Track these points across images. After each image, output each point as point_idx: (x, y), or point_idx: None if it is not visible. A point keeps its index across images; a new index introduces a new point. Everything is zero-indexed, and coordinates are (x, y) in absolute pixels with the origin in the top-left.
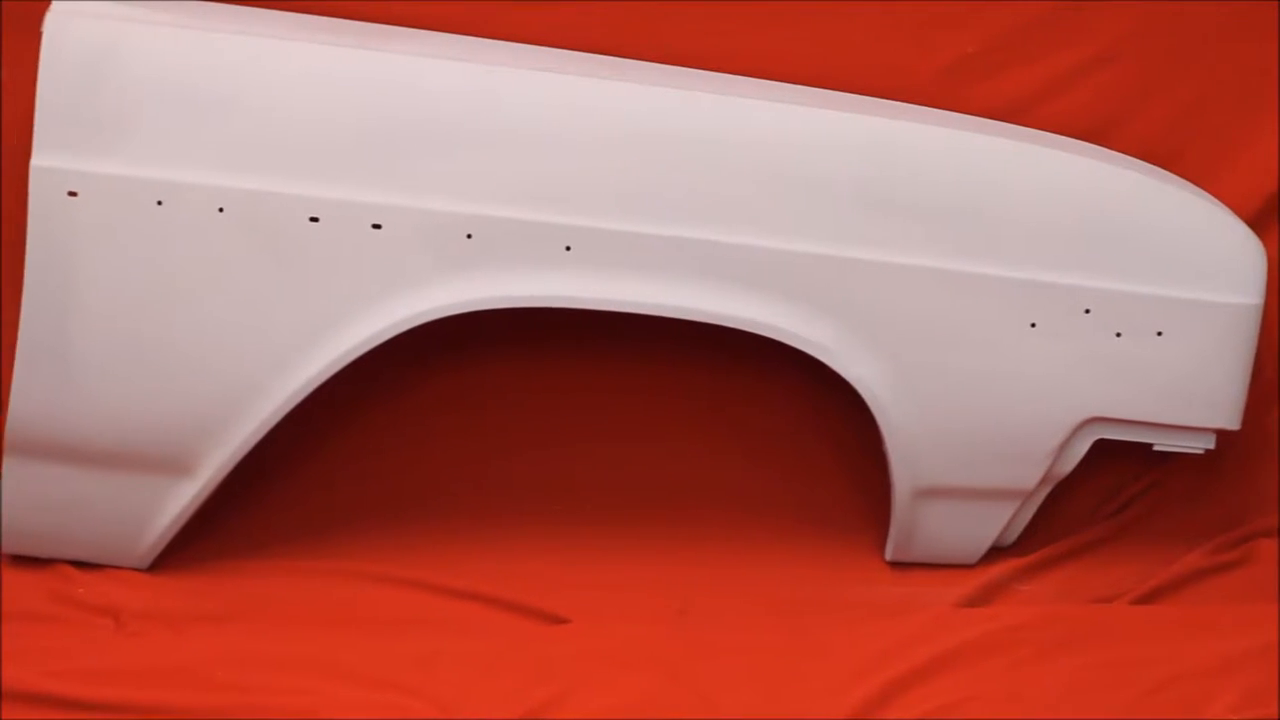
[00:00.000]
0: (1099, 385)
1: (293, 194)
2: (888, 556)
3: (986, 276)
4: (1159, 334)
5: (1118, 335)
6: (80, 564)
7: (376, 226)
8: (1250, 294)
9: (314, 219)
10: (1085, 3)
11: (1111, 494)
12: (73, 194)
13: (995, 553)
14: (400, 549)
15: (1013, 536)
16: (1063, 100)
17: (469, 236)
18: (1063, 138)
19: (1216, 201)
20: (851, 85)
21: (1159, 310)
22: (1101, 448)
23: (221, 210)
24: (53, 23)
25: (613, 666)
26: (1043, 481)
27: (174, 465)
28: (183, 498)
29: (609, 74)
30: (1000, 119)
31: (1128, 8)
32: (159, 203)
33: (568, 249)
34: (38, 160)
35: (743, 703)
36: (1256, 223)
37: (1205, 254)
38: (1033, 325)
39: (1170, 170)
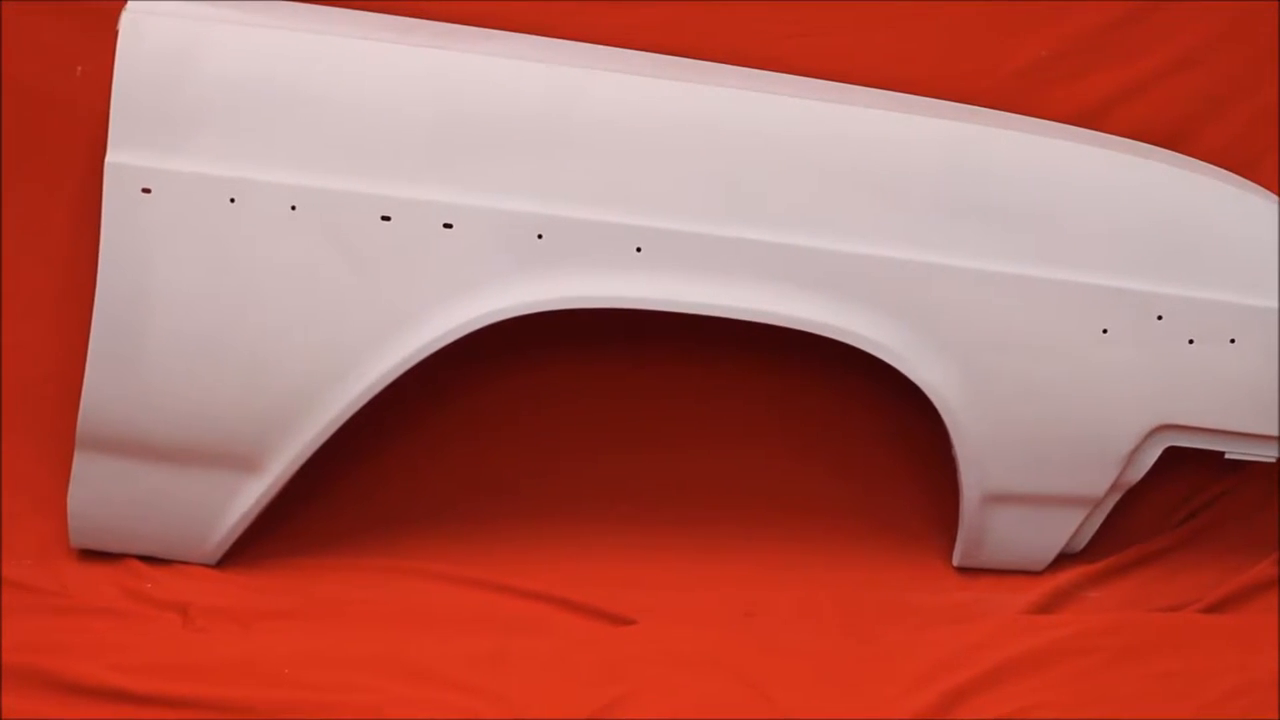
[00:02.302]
0: (1170, 392)
1: (365, 193)
2: (955, 562)
3: (1058, 282)
4: (1231, 341)
5: (1190, 342)
6: (149, 559)
7: (448, 226)
8: None
9: (386, 218)
10: (1162, 4)
11: (1181, 502)
12: (146, 190)
13: (1064, 559)
14: (467, 549)
15: (1081, 543)
16: (1139, 105)
17: (540, 237)
18: (1138, 143)
19: None
20: (926, 88)
21: (1232, 317)
22: (1172, 455)
23: (294, 208)
24: (129, 21)
25: (679, 668)
26: (1112, 488)
27: (243, 462)
28: (251, 494)
29: (683, 75)
30: (1075, 123)
31: (1206, 12)
32: (232, 200)
33: (638, 250)
34: (112, 157)
35: (808, 706)
36: None
37: None
38: (1104, 331)
39: (1247, 177)
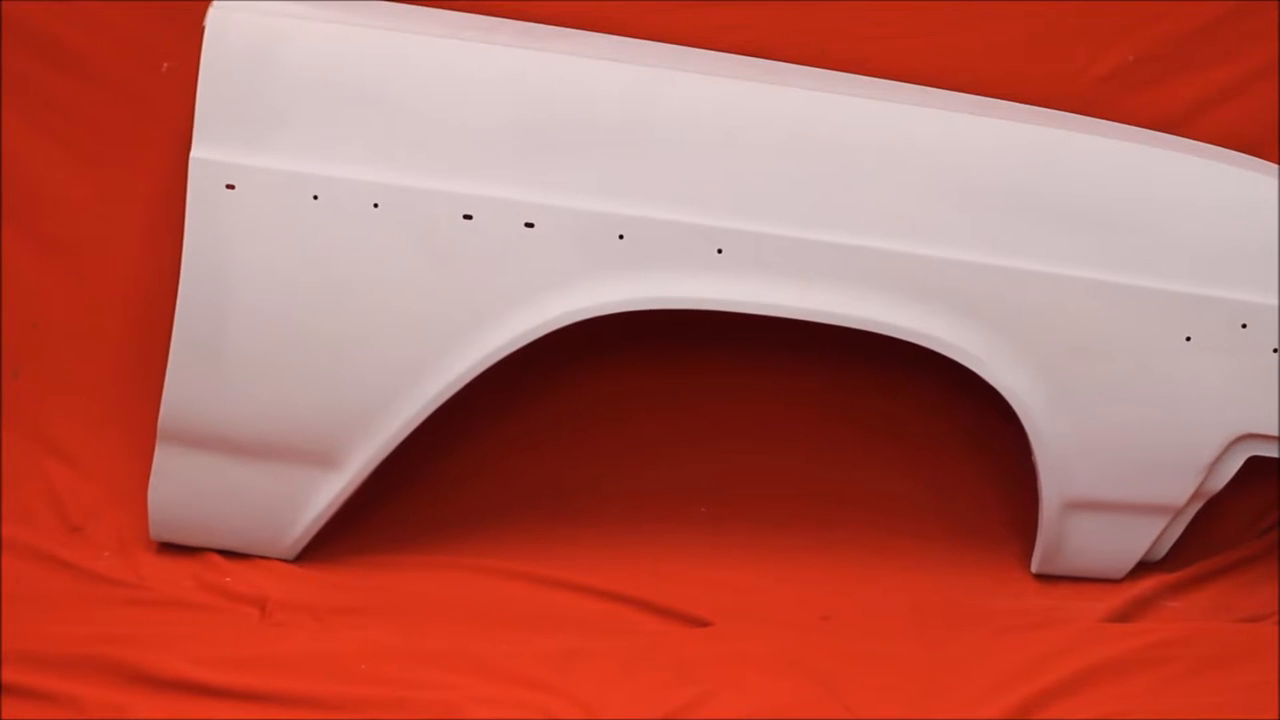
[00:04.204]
0: (1254, 401)
1: (447, 191)
2: (1034, 568)
3: (1142, 289)
4: None
5: (1274, 351)
6: (228, 553)
7: (529, 225)
8: None
9: (467, 216)
10: (1251, 9)
11: (1263, 512)
12: (230, 186)
13: (1143, 568)
14: (544, 548)
15: (1161, 552)
16: (1223, 111)
17: (621, 237)
18: (1221, 149)
19: None
20: (1010, 92)
21: None
22: (1254, 465)
23: (376, 205)
24: (215, 18)
25: (754, 670)
26: (1193, 497)
27: (323, 458)
28: (330, 490)
29: (766, 77)
30: (1159, 129)
31: None
32: (315, 197)
33: (719, 252)
34: (197, 152)
35: (884, 710)
36: None
37: None
38: (1188, 339)
39: None
